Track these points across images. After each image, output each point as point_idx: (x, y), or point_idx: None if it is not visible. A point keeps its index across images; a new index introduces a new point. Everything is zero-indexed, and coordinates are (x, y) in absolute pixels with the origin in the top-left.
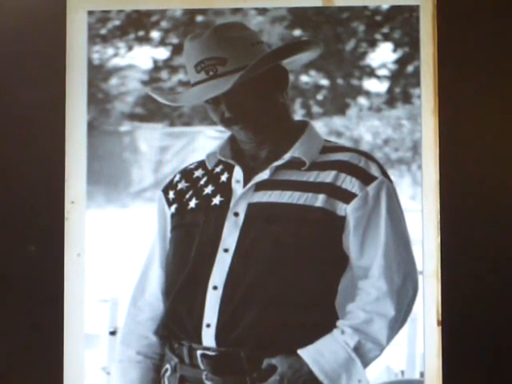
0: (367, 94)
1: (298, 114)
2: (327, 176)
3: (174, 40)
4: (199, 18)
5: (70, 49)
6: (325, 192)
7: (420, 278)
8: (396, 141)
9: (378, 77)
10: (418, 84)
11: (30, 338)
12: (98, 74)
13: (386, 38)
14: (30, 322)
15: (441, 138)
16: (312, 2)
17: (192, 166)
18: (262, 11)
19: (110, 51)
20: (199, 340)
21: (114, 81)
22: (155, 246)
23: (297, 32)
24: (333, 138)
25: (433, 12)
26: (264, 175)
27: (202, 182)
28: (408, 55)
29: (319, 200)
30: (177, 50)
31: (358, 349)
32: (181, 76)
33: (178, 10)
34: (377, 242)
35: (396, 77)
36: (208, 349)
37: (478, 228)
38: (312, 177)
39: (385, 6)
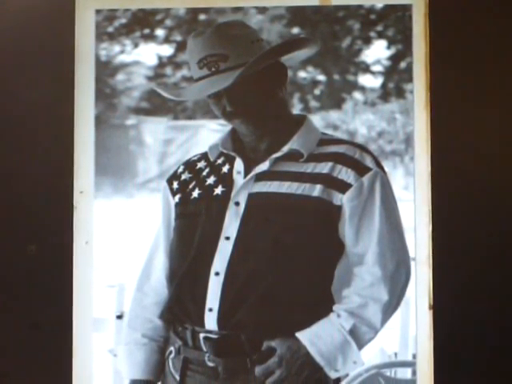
0: (362, 89)
1: (297, 108)
2: (324, 167)
3: (178, 37)
4: (202, 17)
5: (79, 46)
6: (322, 182)
7: (412, 264)
8: (390, 134)
9: (373, 73)
10: (410, 79)
11: (41, 321)
12: (105, 70)
13: (380, 35)
14: (41, 306)
15: (432, 131)
16: (310, 1)
17: (195, 158)
18: (262, 10)
19: (117, 48)
20: (202, 323)
21: (120, 76)
22: (160, 234)
23: (295, 30)
24: (329, 131)
25: (425, 11)
26: (264, 166)
27: (204, 173)
28: (401, 52)
29: (316, 190)
30: (180, 47)
31: (353, 332)
32: (184, 72)
33: (181, 8)
34: (371, 230)
35: (390, 73)
36: (210, 332)
37: (468, 217)
38: (309, 168)
39: (379, 5)
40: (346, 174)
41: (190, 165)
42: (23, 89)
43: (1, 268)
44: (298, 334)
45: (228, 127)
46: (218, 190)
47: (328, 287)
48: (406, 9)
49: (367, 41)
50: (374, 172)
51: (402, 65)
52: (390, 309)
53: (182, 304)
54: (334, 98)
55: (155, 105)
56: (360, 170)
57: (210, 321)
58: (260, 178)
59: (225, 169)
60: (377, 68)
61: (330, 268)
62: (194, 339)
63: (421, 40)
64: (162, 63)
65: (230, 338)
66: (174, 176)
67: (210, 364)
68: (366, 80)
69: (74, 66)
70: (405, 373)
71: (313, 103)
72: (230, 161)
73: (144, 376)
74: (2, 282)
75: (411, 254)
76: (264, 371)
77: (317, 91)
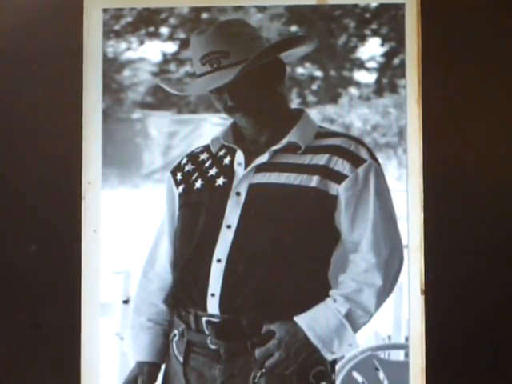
0: (357, 84)
1: (295, 103)
2: (321, 159)
3: (182, 35)
4: (204, 15)
5: (87, 44)
6: (319, 173)
7: (405, 251)
8: (383, 127)
9: (367, 69)
10: (403, 75)
11: (51, 306)
12: (112, 66)
13: (375, 33)
14: (51, 292)
15: (424, 124)
16: (307, 0)
17: (198, 150)
18: (262, 9)
19: (123, 45)
20: (204, 308)
21: (126, 72)
22: (164, 222)
23: (293, 28)
24: (326, 125)
25: (417, 10)
26: (263, 158)
27: (206, 165)
28: (394, 49)
29: (313, 181)
30: (184, 44)
31: (348, 316)
32: (187, 68)
33: (184, 7)
34: (366, 218)
35: (383, 69)
36: (212, 316)
37: (458, 206)
38: (307, 160)
39: (373, 4)
40: (341, 165)
41: (192, 157)
42: (33, 85)
43: (12, 256)
44: (296, 318)
45: (229, 121)
46: (220, 181)
47: (325, 273)
48: (399, 8)
49: (362, 38)
50: (368, 163)
51: (396, 61)
52: (383, 294)
53: (185, 289)
54: (330, 93)
55: (160, 99)
56: (355, 161)
57: (212, 305)
58: (260, 169)
59: (226, 160)
60: (371, 64)
61: (326, 255)
62: (196, 323)
63: (413, 37)
64: (167, 60)
65: (231, 322)
66: (178, 167)
67: (212, 346)
68: (360, 76)
69: (83, 62)
70: (398, 355)
71: (310, 98)
72: (231, 153)
73: (149, 358)
74: (13, 269)
75: (404, 241)
76: (264, 353)
77: (314, 86)
